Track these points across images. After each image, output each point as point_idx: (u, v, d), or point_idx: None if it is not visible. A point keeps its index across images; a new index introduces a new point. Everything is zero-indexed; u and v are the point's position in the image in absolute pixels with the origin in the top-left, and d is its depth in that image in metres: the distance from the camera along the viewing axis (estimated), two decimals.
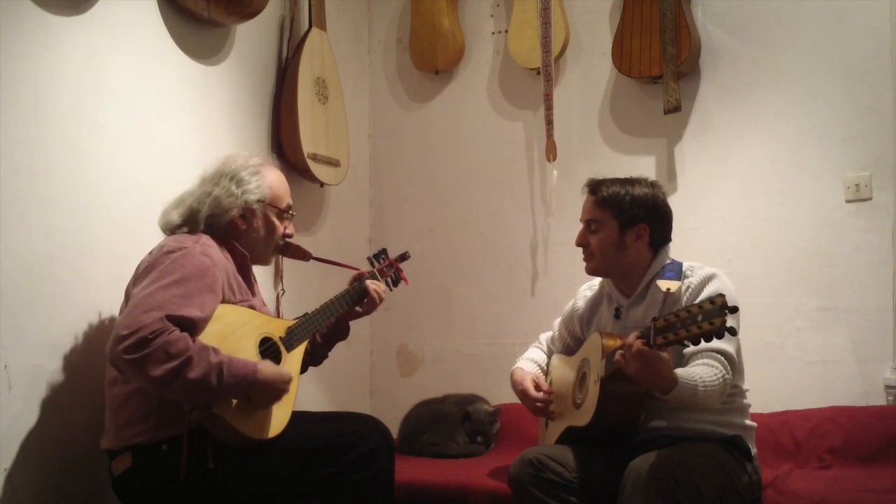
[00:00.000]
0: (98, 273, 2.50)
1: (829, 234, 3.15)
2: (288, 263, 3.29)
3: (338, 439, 2.30)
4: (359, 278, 2.62)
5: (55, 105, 2.41)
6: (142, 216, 2.64)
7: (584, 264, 2.57)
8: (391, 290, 2.72)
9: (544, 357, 2.81)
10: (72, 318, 2.41)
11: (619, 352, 2.12)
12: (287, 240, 2.52)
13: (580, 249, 2.58)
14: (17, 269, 2.27)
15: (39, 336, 2.32)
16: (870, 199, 3.10)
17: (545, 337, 2.87)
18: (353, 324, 3.88)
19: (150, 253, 2.29)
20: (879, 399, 3.02)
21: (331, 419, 2.53)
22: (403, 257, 2.77)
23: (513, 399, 2.90)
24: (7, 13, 2.28)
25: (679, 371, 2.18)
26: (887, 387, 3.02)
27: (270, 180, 2.43)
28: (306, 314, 2.48)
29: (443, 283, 3.85)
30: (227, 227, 2.36)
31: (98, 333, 2.47)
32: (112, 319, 2.50)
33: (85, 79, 2.51)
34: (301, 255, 2.60)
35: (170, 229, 2.37)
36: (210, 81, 3.04)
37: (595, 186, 2.54)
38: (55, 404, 2.35)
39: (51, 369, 2.34)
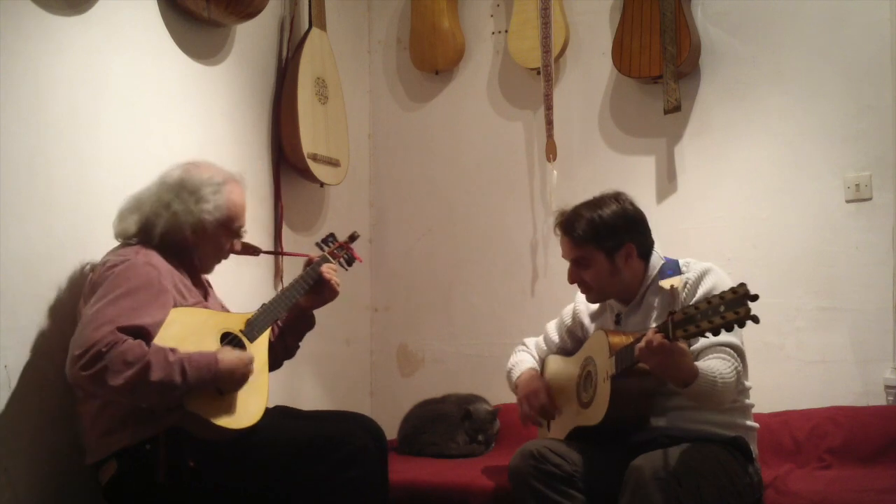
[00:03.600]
0: None
1: (829, 234, 3.15)
2: (287, 263, 3.29)
3: (324, 437, 2.29)
4: (310, 263, 2.61)
5: (55, 105, 2.41)
6: None
7: (585, 296, 2.59)
8: (346, 269, 2.72)
9: (536, 363, 2.82)
10: (72, 318, 2.40)
11: (639, 346, 2.13)
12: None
13: None
14: (17, 269, 2.27)
15: (39, 336, 2.32)
16: (870, 199, 3.10)
17: (532, 342, 2.87)
18: (353, 323, 3.90)
19: (93, 270, 2.30)
20: (879, 399, 3.02)
21: (319, 417, 2.53)
22: (353, 237, 2.76)
23: (513, 399, 2.90)
24: (7, 13, 2.28)
25: (697, 364, 2.19)
26: (887, 387, 3.02)
27: (228, 200, 2.40)
28: (263, 304, 2.48)
29: (443, 283, 3.85)
30: (179, 241, 2.37)
31: None
32: None
33: (85, 79, 2.51)
34: (251, 251, 2.61)
35: (124, 237, 2.36)
36: (210, 81, 3.03)
37: (567, 226, 2.54)
38: (55, 404, 2.35)
39: (51, 369, 2.34)
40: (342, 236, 2.73)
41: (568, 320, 2.76)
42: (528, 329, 3.15)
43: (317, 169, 3.37)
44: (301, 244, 3.41)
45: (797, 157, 3.23)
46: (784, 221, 3.23)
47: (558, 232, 2.58)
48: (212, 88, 3.04)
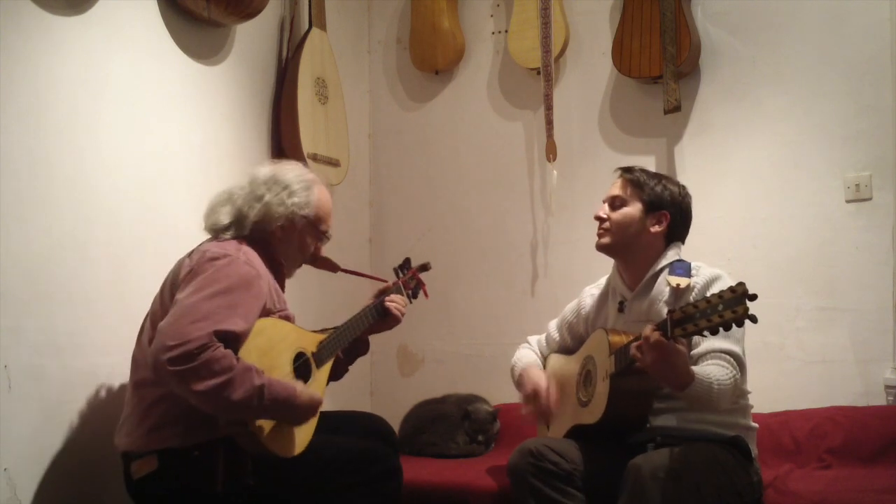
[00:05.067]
0: (98, 273, 2.50)
1: (829, 234, 3.16)
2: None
3: (361, 454, 2.35)
4: (384, 292, 2.62)
5: (55, 105, 2.40)
6: (142, 216, 2.64)
7: (596, 240, 2.57)
8: (410, 302, 2.71)
9: (539, 360, 2.81)
10: (72, 318, 2.41)
11: (635, 344, 2.13)
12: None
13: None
14: (17, 269, 2.26)
15: (39, 336, 2.32)
16: (870, 199, 3.11)
17: (534, 340, 2.88)
18: None
19: (189, 256, 2.28)
20: (879, 399, 3.03)
21: (343, 424, 2.53)
22: (424, 268, 2.78)
23: (512, 399, 2.90)
24: (7, 13, 2.27)
25: (694, 368, 2.19)
26: (887, 387, 3.02)
27: (318, 198, 2.43)
28: (337, 328, 2.49)
29: (443, 282, 3.84)
30: (268, 234, 2.36)
31: (98, 333, 2.47)
32: (112, 319, 2.51)
33: (85, 79, 2.51)
34: (330, 266, 2.61)
35: (215, 230, 2.35)
36: (210, 81, 3.03)
37: (629, 168, 2.60)
38: (55, 404, 2.35)
39: (51, 369, 2.34)
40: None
41: (570, 316, 2.76)
42: (528, 329, 3.16)
43: (317, 169, 3.36)
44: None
45: (797, 157, 3.23)
46: (784, 221, 3.23)
47: (617, 172, 2.61)
48: (212, 88, 3.04)
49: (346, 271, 2.67)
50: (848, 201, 3.14)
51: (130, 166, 2.65)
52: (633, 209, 2.52)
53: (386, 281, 2.68)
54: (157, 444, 2.15)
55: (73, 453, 2.39)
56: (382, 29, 4.05)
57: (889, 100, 3.09)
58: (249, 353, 2.11)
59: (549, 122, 3.55)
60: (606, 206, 2.58)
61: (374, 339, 3.94)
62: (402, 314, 2.59)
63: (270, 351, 2.19)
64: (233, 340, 2.08)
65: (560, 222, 3.60)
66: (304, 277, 3.38)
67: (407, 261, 2.76)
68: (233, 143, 3.12)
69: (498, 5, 3.81)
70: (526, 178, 3.72)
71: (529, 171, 3.71)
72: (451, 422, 3.29)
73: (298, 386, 2.18)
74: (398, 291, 2.64)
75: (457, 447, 3.24)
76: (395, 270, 2.72)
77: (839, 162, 3.16)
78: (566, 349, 2.75)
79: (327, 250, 2.68)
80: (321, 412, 2.42)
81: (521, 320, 3.61)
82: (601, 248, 2.57)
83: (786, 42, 3.26)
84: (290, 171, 2.43)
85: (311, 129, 3.35)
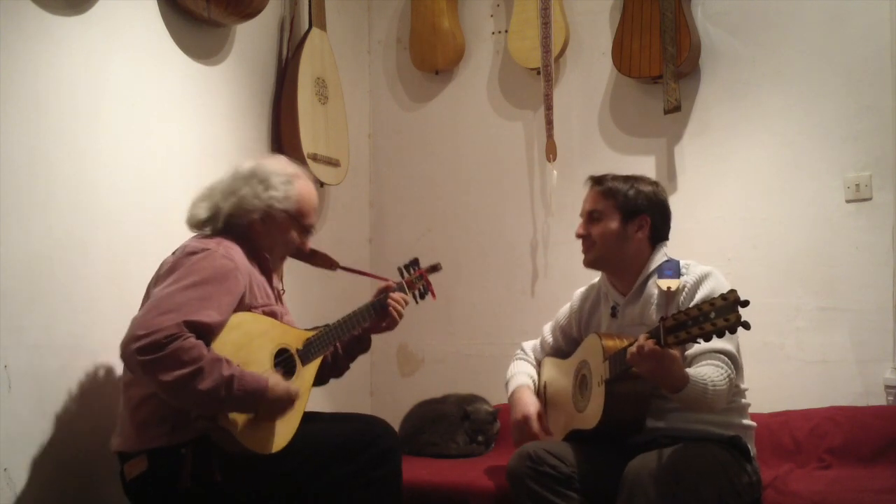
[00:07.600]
0: (98, 273, 2.50)
1: (829, 234, 3.15)
2: (287, 263, 3.28)
3: (355, 438, 2.31)
4: (386, 290, 2.56)
5: (55, 105, 2.41)
6: (141, 216, 2.64)
7: (582, 257, 2.56)
8: (416, 303, 2.65)
9: (534, 370, 2.81)
10: (72, 318, 2.41)
11: (630, 350, 2.13)
12: (313, 248, 2.50)
13: (580, 249, 2.58)
14: (17, 269, 2.27)
15: (39, 336, 2.32)
16: (870, 199, 3.10)
17: (529, 346, 2.87)
18: None
19: (173, 253, 2.28)
20: (879, 399, 3.02)
21: (343, 419, 2.52)
22: (434, 269, 2.70)
23: None
24: (7, 13, 2.28)
25: (688, 371, 2.19)
26: (887, 387, 3.02)
27: (299, 192, 2.38)
28: (328, 325, 2.44)
29: (442, 282, 3.81)
30: (246, 228, 2.33)
31: (98, 333, 2.46)
32: (112, 319, 2.50)
33: (85, 79, 2.51)
34: (328, 264, 2.57)
35: (194, 223, 2.35)
36: (210, 81, 3.04)
37: (599, 178, 2.57)
38: (55, 404, 2.35)
39: (51, 369, 2.34)
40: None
41: (563, 320, 2.76)
42: (528, 329, 3.16)
43: (317, 169, 3.37)
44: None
45: (797, 157, 3.23)
46: (784, 221, 3.23)
47: (588, 183, 2.59)
48: (212, 88, 3.04)
49: (345, 269, 2.63)
50: (848, 201, 3.14)
51: (130, 166, 2.65)
52: (612, 221, 2.50)
53: (388, 280, 2.62)
54: (147, 443, 2.15)
55: (73, 453, 2.39)
56: (382, 29, 4.05)
57: (889, 100, 3.09)
58: (224, 347, 2.08)
59: (549, 122, 3.55)
60: (584, 221, 2.56)
61: (374, 339, 3.97)
62: (401, 315, 2.53)
63: (248, 345, 2.16)
64: (205, 332, 2.06)
65: (560, 222, 3.60)
66: (308, 278, 3.39)
67: (415, 260, 2.68)
68: (233, 143, 3.12)
69: (498, 5, 3.81)
70: (526, 178, 3.72)
71: (529, 171, 3.71)
72: (451, 422, 3.29)
73: (272, 378, 2.14)
74: (401, 290, 2.59)
75: (457, 447, 3.24)
76: (401, 269, 2.64)
77: (839, 162, 3.15)
78: (561, 352, 2.75)
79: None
80: (313, 413, 2.41)
81: (521, 320, 3.61)
82: (588, 264, 2.57)
83: (786, 42, 3.26)
84: (272, 164, 2.40)
85: (311, 129, 3.35)
